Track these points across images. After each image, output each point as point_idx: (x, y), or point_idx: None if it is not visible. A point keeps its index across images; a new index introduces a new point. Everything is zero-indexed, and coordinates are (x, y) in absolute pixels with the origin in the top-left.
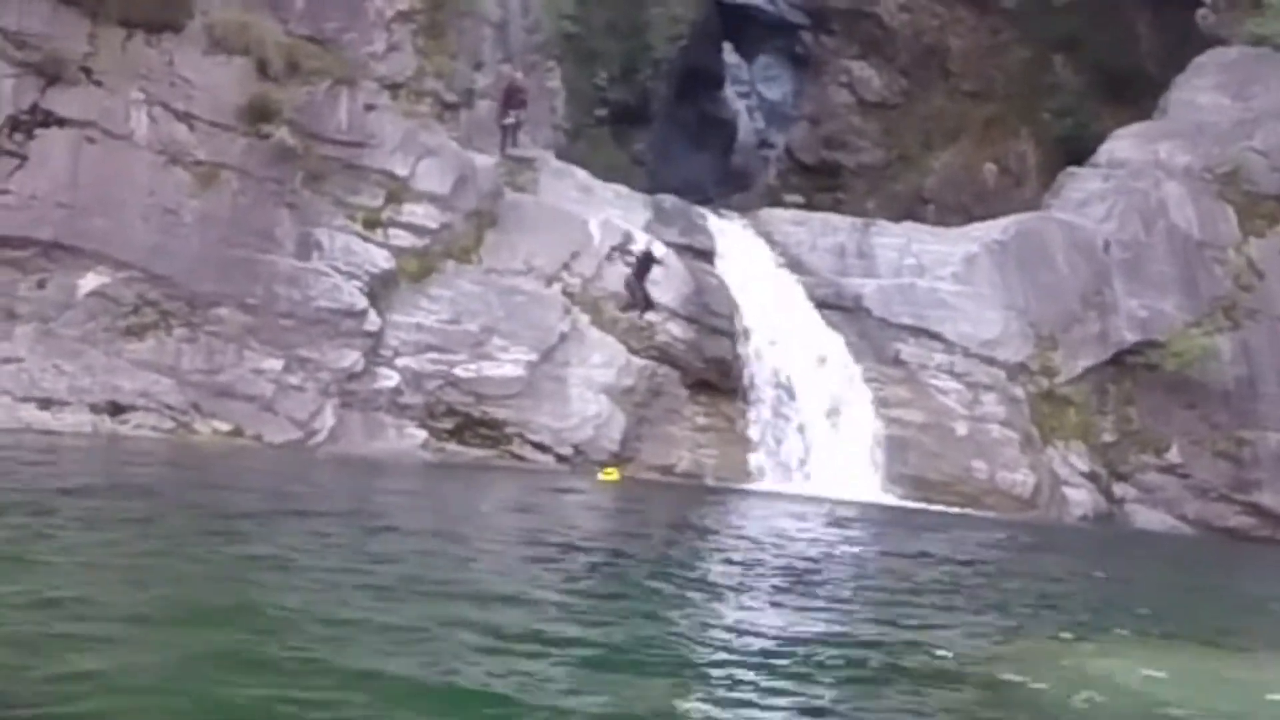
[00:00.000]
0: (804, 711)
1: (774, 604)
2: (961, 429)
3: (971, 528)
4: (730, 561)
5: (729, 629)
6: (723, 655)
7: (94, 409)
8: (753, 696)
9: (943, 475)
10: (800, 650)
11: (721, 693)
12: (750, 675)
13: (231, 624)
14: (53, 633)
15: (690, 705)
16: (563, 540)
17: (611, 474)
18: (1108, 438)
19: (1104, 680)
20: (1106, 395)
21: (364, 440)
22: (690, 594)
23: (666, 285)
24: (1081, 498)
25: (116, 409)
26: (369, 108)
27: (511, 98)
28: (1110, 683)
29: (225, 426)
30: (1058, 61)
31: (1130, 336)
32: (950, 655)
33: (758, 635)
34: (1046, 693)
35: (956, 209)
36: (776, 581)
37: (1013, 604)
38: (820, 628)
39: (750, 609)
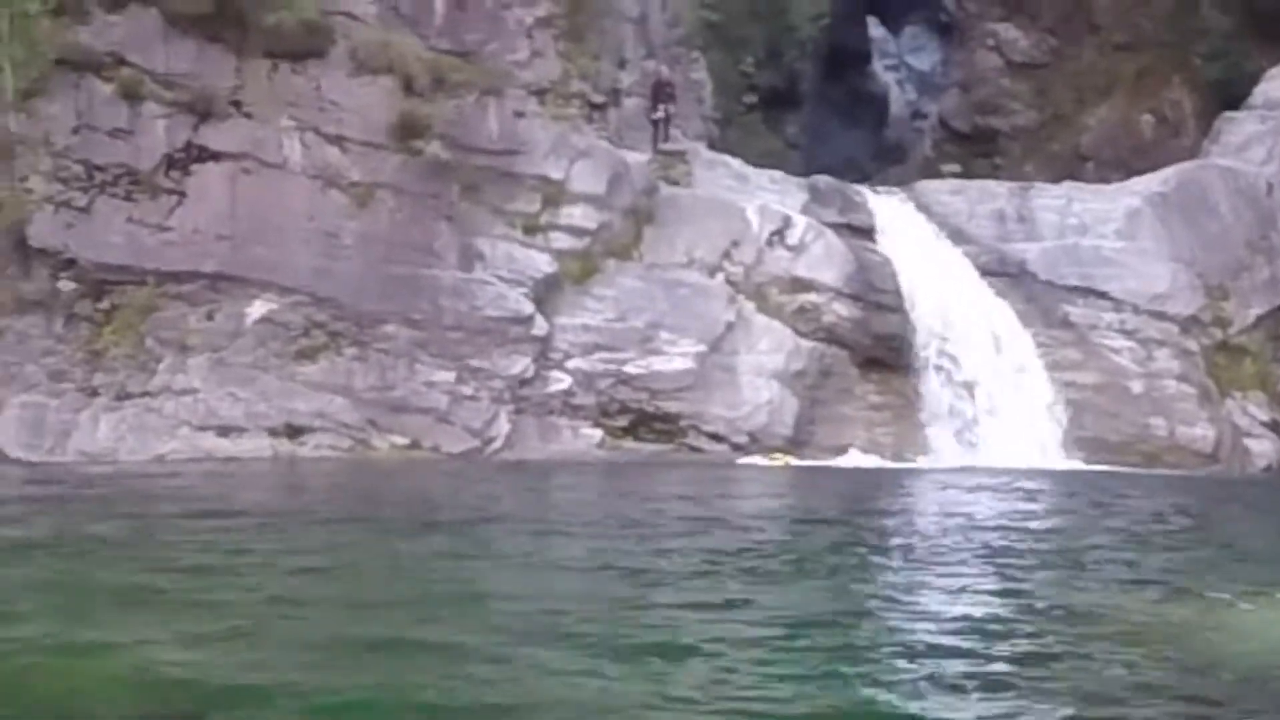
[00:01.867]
0: (984, 678)
1: (962, 575)
2: (1137, 387)
3: (1154, 487)
4: (915, 538)
5: (910, 606)
6: (902, 631)
7: (272, 433)
8: (931, 665)
9: (1121, 435)
10: (979, 620)
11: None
12: (928, 645)
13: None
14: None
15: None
16: (745, 525)
17: (779, 459)
18: None
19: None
20: None
21: (540, 444)
22: (870, 570)
23: (828, 265)
24: (1264, 448)
25: (294, 431)
26: (518, 115)
27: (659, 92)
28: None
29: (402, 440)
30: (1204, 4)
31: None
32: (1134, 619)
33: (942, 607)
34: (1234, 654)
35: (1116, 164)
36: (963, 555)
37: (1198, 564)
38: (1001, 598)
39: (941, 582)
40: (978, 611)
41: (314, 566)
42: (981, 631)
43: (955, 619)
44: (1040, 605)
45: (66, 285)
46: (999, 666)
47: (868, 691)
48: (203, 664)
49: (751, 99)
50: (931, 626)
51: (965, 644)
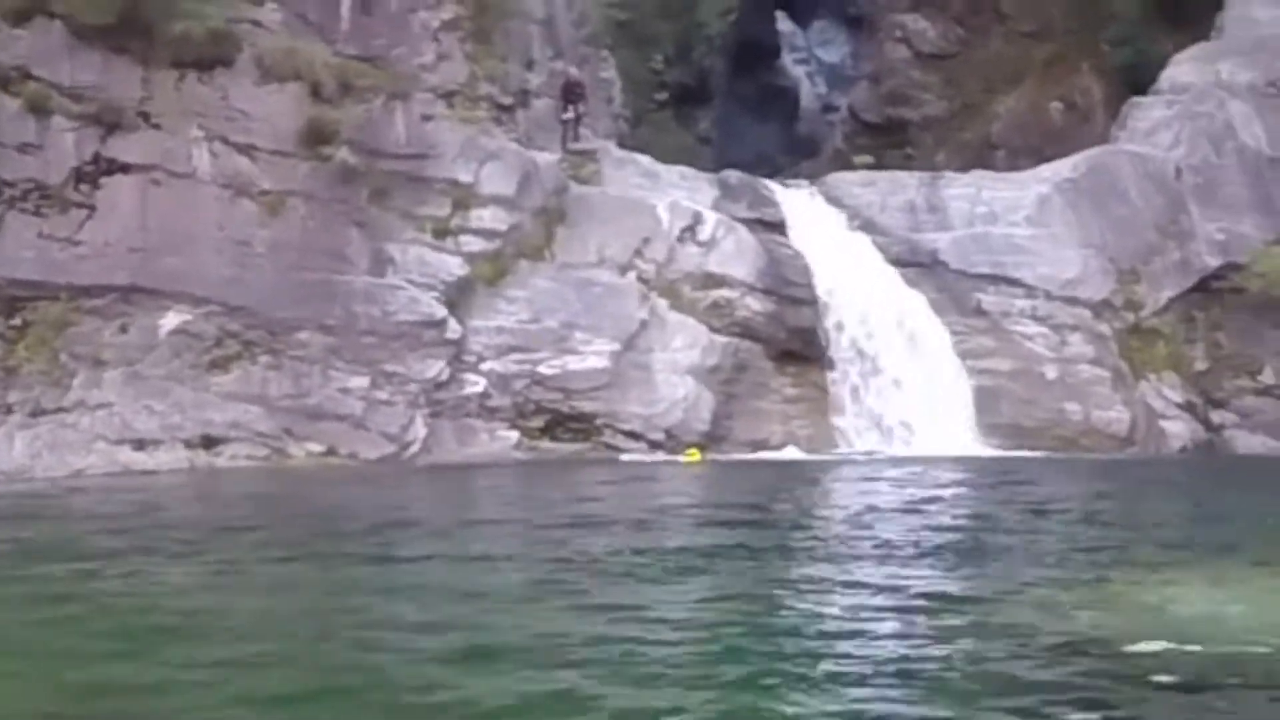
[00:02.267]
0: (865, 673)
1: (867, 567)
2: (1051, 372)
3: (1069, 471)
4: (817, 531)
5: (799, 602)
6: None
7: (188, 444)
8: (851, 664)
9: (1037, 421)
10: (866, 613)
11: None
12: (847, 642)
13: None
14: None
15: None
16: (664, 525)
17: (694, 455)
18: (1200, 366)
19: (1192, 615)
20: (1194, 323)
21: (457, 447)
22: (765, 566)
23: (740, 260)
24: (1179, 429)
25: (210, 442)
26: (426, 119)
27: (569, 93)
28: (1203, 618)
29: (319, 448)
30: None
31: (1211, 261)
32: (1041, 604)
33: (829, 601)
34: (1130, 633)
35: (1027, 152)
36: (869, 547)
37: (1106, 545)
38: (913, 587)
39: (831, 576)
40: (867, 603)
41: (168, 591)
42: (868, 624)
43: (841, 613)
44: (932, 595)
45: None
46: (886, 661)
47: (744, 694)
48: None
49: (662, 96)
50: (817, 622)
51: (850, 638)
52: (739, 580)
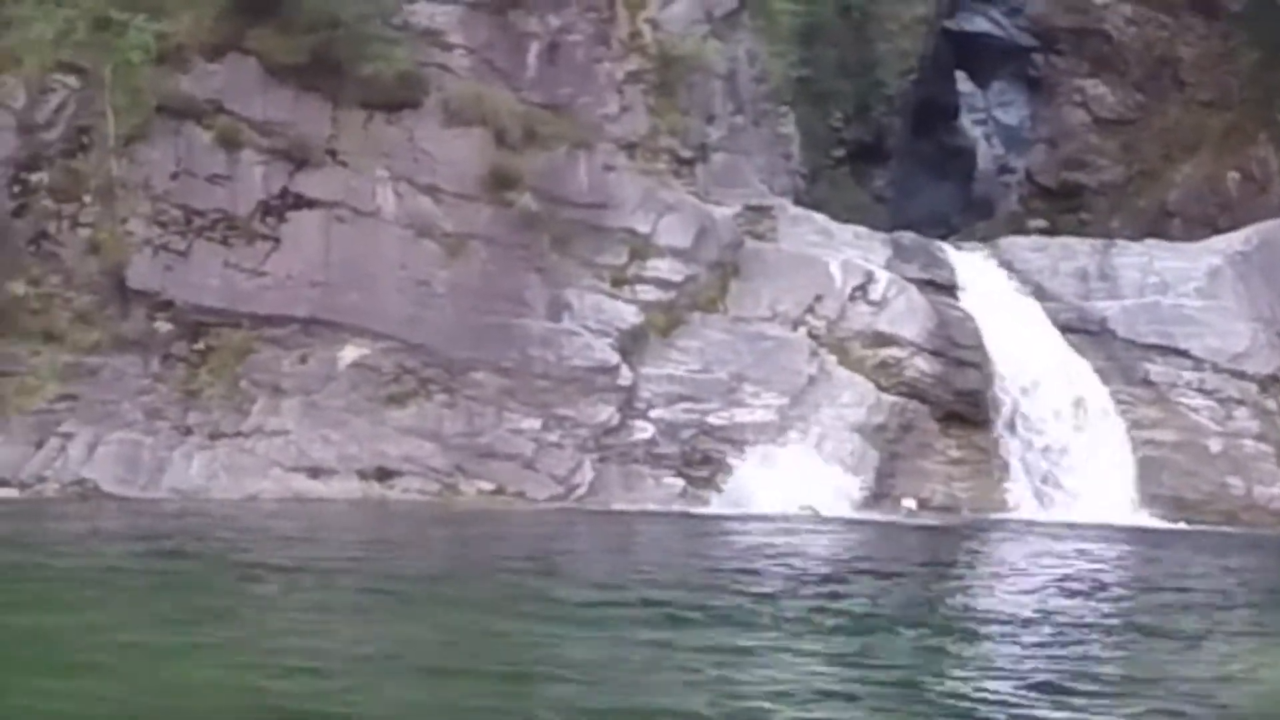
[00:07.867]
0: None
1: (1017, 639)
2: (1215, 446)
3: (1228, 546)
4: (972, 596)
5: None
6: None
7: (362, 475)
8: None
9: (1198, 494)
10: (1037, 688)
11: None
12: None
13: None
14: None
15: None
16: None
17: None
18: None
19: None
20: None
21: (623, 492)
22: (924, 630)
23: (910, 320)
24: None
25: (384, 474)
26: (607, 169)
27: None
28: None
29: (489, 486)
30: None
31: None
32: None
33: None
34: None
35: (1202, 221)
36: (1025, 614)
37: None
38: (1062, 663)
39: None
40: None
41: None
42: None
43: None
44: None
45: (163, 326)
46: None
47: None
48: None
49: (840, 153)
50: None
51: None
52: (883, 650)
